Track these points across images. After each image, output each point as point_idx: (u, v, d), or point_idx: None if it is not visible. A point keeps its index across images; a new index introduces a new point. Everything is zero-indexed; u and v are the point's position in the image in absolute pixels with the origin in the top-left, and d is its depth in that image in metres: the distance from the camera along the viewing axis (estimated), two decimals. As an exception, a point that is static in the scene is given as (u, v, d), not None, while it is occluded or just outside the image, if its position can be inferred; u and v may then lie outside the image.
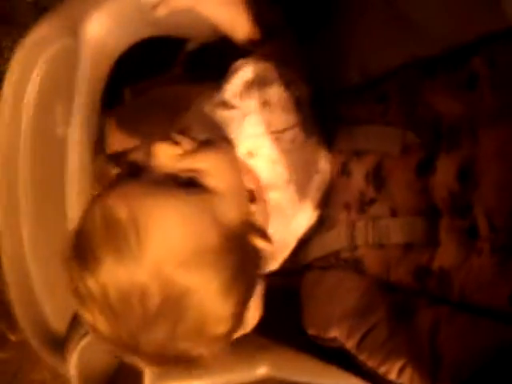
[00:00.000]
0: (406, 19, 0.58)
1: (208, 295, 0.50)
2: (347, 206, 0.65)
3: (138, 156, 0.56)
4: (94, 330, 0.51)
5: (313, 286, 0.65)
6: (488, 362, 0.49)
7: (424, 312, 0.55)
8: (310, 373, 0.62)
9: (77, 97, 0.72)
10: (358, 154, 0.64)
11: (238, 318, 0.53)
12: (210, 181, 0.54)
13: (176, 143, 0.54)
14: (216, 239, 0.51)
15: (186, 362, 0.53)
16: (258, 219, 0.59)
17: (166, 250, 0.49)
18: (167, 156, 0.54)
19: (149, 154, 0.54)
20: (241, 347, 0.69)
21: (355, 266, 0.63)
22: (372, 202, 0.63)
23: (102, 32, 0.74)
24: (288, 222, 0.64)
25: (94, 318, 0.49)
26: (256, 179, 0.61)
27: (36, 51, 0.79)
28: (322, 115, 0.69)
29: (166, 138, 0.55)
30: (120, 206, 0.49)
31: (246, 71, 0.64)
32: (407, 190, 0.59)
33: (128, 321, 0.48)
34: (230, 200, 0.55)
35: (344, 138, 0.66)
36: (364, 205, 0.63)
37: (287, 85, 0.64)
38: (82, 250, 0.50)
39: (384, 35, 0.61)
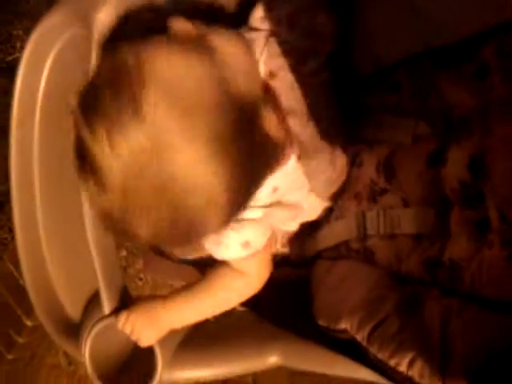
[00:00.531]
0: (417, 8, 0.57)
1: (198, 149, 0.46)
2: (358, 196, 0.65)
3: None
4: (95, 202, 0.49)
5: (323, 276, 0.66)
6: (498, 354, 0.48)
7: (434, 304, 0.55)
8: (320, 363, 0.62)
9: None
10: (370, 144, 0.64)
11: (234, 197, 0.49)
12: (217, 45, 0.52)
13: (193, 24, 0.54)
14: (217, 93, 0.48)
15: (182, 232, 0.50)
16: (272, 111, 0.55)
17: (165, 93, 0.46)
18: (184, 29, 0.53)
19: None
20: (252, 336, 0.70)
21: (366, 256, 0.63)
22: (383, 192, 0.62)
23: (114, 21, 0.74)
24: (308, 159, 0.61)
25: (96, 184, 0.48)
26: (275, 98, 0.57)
27: (48, 40, 0.78)
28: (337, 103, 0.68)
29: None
30: (130, 52, 0.48)
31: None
32: (418, 181, 0.59)
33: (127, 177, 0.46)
34: (239, 75, 0.52)
35: (357, 128, 0.65)
36: (375, 194, 0.63)
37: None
38: (88, 99, 0.48)
39: (395, 23, 0.59)
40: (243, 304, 0.74)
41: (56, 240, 0.83)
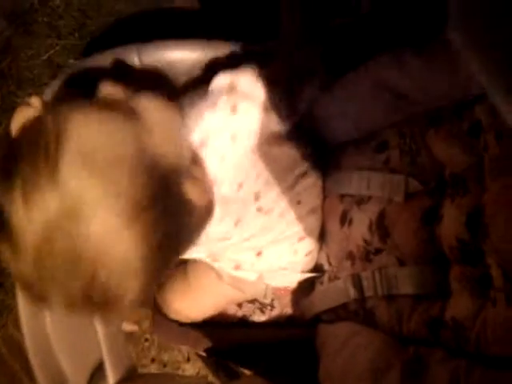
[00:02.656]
0: (403, 96, 0.58)
1: (111, 209, 0.44)
2: (350, 256, 0.62)
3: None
4: (9, 260, 0.46)
5: (324, 341, 0.62)
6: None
7: (440, 369, 0.51)
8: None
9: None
10: (359, 202, 0.62)
11: (148, 277, 0.47)
12: (143, 120, 0.49)
13: (122, 83, 0.51)
14: (132, 153, 0.46)
15: (98, 302, 0.46)
16: (198, 175, 0.53)
17: (80, 152, 0.44)
18: (109, 90, 0.51)
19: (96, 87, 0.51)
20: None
21: (366, 318, 0.59)
22: (378, 251, 0.59)
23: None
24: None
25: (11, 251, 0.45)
26: (203, 169, 0.55)
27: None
28: (322, 162, 0.68)
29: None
30: (50, 114, 0.46)
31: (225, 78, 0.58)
32: (413, 239, 0.56)
33: (30, 242, 0.43)
34: (160, 139, 0.49)
35: (345, 184, 0.63)
36: (370, 254, 0.60)
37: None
38: (8, 159, 0.46)
39: (378, 104, 0.60)
40: (248, 365, 0.72)
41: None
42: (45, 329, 0.81)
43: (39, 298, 0.47)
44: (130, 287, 0.46)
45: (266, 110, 0.58)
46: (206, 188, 0.54)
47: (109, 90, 0.51)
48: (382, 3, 0.81)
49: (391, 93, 0.59)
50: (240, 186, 0.58)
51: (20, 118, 0.48)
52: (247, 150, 0.57)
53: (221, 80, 0.58)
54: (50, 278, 0.45)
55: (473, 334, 0.51)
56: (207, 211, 0.54)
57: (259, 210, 0.60)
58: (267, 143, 0.58)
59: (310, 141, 0.67)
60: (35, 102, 0.73)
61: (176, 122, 0.54)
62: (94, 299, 0.46)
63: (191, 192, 0.50)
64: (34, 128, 0.46)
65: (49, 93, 0.77)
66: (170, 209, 0.48)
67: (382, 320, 0.58)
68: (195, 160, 0.54)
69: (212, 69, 0.68)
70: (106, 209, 0.44)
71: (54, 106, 0.48)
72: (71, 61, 1.22)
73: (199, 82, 0.65)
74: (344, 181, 0.63)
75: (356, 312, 0.60)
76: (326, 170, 0.67)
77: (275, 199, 0.61)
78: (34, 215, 0.43)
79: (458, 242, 0.52)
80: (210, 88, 0.58)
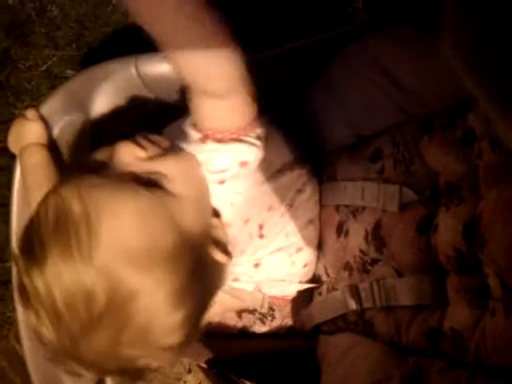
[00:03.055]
0: (401, 84, 0.56)
1: (155, 301, 0.44)
2: (348, 267, 0.62)
3: (101, 156, 0.51)
4: (38, 333, 0.45)
5: (324, 352, 0.62)
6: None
7: (441, 378, 0.50)
8: None
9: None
10: (355, 213, 0.62)
11: (189, 330, 0.47)
12: (171, 185, 0.49)
13: (140, 146, 0.50)
14: (170, 241, 0.46)
15: (132, 372, 0.47)
16: (220, 234, 0.54)
17: (116, 246, 0.44)
18: (130, 156, 0.50)
19: (112, 153, 0.50)
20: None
21: (365, 328, 0.59)
22: (374, 262, 0.59)
23: (108, 106, 0.77)
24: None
25: (38, 319, 0.44)
26: (221, 219, 0.55)
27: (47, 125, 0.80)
28: (317, 171, 0.68)
29: (131, 140, 0.50)
30: (73, 198, 0.44)
31: None
32: (409, 249, 0.56)
33: (71, 324, 0.43)
34: (189, 207, 0.50)
35: (340, 194, 0.64)
36: (366, 265, 0.60)
37: None
38: (30, 244, 0.45)
39: (374, 95, 0.59)
40: (249, 376, 0.72)
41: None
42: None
43: (65, 363, 0.47)
44: (167, 344, 0.47)
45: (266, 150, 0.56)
46: (227, 246, 0.55)
47: (128, 152, 0.50)
48: (378, 11, 0.81)
49: (387, 76, 0.58)
50: (246, 221, 0.58)
51: (48, 205, 0.46)
52: (253, 191, 0.57)
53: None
54: (90, 361, 0.46)
55: (472, 345, 0.50)
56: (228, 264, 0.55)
57: (261, 236, 0.60)
58: (273, 177, 0.58)
59: (308, 157, 0.67)
60: (31, 114, 0.74)
61: (198, 175, 0.54)
62: (128, 372, 0.48)
63: (217, 254, 0.52)
64: (59, 213, 0.45)
65: (46, 106, 0.78)
66: (206, 276, 0.50)
67: (381, 331, 0.58)
68: (215, 212, 0.55)
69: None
70: (153, 289, 0.45)
71: (77, 184, 0.46)
72: (69, 71, 1.23)
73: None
74: (339, 191, 0.63)
75: (355, 323, 0.60)
76: (321, 181, 0.67)
77: (276, 222, 0.61)
78: (61, 290, 0.43)
79: (455, 252, 0.52)
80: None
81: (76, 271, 0.43)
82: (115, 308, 0.43)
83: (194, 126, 0.53)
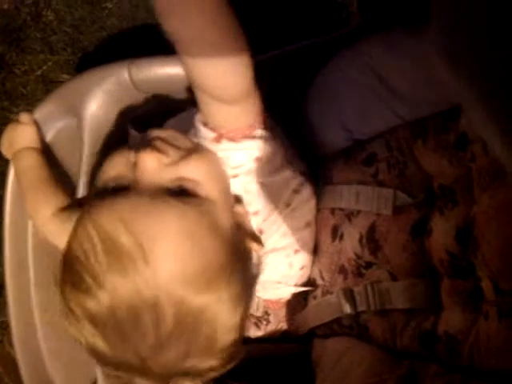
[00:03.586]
0: (392, 88, 0.57)
1: (221, 310, 0.46)
2: (342, 270, 0.62)
3: (119, 170, 0.50)
4: (94, 351, 0.46)
5: (319, 355, 0.61)
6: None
7: (435, 382, 0.50)
8: None
9: (82, 176, 0.73)
10: (350, 216, 0.62)
11: (245, 322, 0.50)
12: (202, 189, 0.49)
13: (162, 152, 0.49)
14: (221, 250, 0.47)
15: (195, 375, 0.48)
16: (247, 221, 0.55)
17: (176, 271, 0.44)
18: (154, 166, 0.49)
19: (134, 166, 0.49)
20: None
21: (359, 332, 0.59)
22: (369, 265, 0.59)
23: (101, 111, 0.77)
24: None
25: (93, 337, 0.45)
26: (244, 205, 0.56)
27: (42, 129, 0.80)
28: (313, 176, 0.67)
29: (151, 147, 0.49)
30: (117, 227, 0.43)
31: None
32: (403, 252, 0.56)
33: (138, 343, 0.44)
34: (223, 206, 0.50)
35: (336, 198, 0.64)
36: (361, 268, 0.60)
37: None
38: (79, 275, 0.44)
39: (368, 100, 0.59)
40: (244, 381, 0.72)
41: (52, 331, 0.81)
42: (39, 347, 0.81)
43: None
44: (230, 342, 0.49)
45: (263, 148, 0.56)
46: (256, 234, 0.56)
47: (151, 165, 0.49)
48: (372, 15, 0.81)
49: (380, 81, 0.58)
50: (255, 213, 0.58)
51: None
52: (261, 178, 0.57)
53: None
54: (157, 374, 0.46)
55: (466, 348, 0.50)
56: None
57: (260, 232, 0.60)
58: (270, 175, 0.58)
59: (303, 156, 0.67)
60: (24, 118, 0.74)
61: (223, 171, 0.54)
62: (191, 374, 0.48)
63: (253, 245, 0.54)
64: (108, 245, 0.44)
65: (40, 111, 0.78)
66: (248, 267, 0.52)
67: (375, 334, 0.58)
68: (236, 199, 0.55)
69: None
70: (216, 308, 0.46)
71: (115, 210, 0.45)
72: (64, 76, 1.23)
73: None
74: (334, 195, 0.63)
75: (350, 326, 0.60)
76: (317, 185, 0.67)
77: (274, 219, 0.61)
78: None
79: (449, 255, 0.52)
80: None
81: (140, 295, 0.43)
82: (183, 327, 0.44)
83: (206, 124, 0.53)
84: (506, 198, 0.48)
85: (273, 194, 0.59)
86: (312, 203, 0.66)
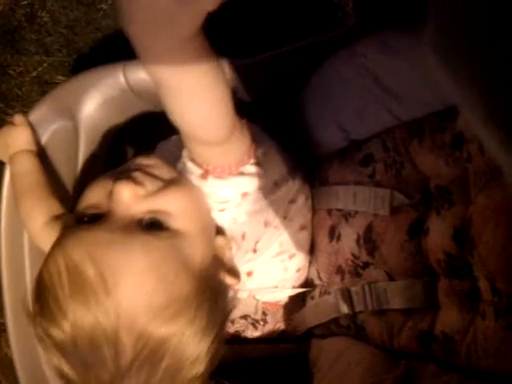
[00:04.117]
0: (388, 89, 0.56)
1: (184, 341, 0.45)
2: (340, 270, 0.62)
3: (97, 198, 0.50)
4: (62, 375, 0.46)
5: (317, 356, 0.61)
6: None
7: (433, 382, 0.50)
8: None
9: (77, 178, 0.73)
10: (347, 216, 0.62)
11: (214, 354, 0.48)
12: (176, 222, 0.48)
13: (138, 183, 0.49)
14: (188, 285, 0.46)
15: None
16: (227, 253, 0.54)
17: (138, 305, 0.44)
18: (128, 198, 0.48)
19: (110, 195, 0.48)
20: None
21: (357, 332, 0.59)
22: (366, 265, 0.59)
23: (96, 112, 0.76)
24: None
25: (60, 363, 0.45)
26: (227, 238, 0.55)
27: (37, 132, 0.79)
28: (309, 176, 0.67)
29: (128, 177, 0.48)
30: (85, 261, 0.43)
31: None
32: (400, 253, 0.56)
33: (99, 372, 0.44)
34: (197, 240, 0.49)
35: (332, 199, 0.63)
36: (358, 268, 0.60)
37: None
38: (46, 303, 0.44)
39: (364, 100, 0.59)
40: (242, 381, 0.71)
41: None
42: (36, 349, 0.81)
43: None
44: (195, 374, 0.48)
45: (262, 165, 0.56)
46: (236, 268, 0.55)
47: (126, 197, 0.48)
48: (367, 15, 0.81)
49: (376, 82, 0.58)
50: (243, 237, 0.57)
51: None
52: (252, 211, 0.57)
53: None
54: None
55: (463, 348, 0.50)
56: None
57: (254, 251, 0.60)
58: (270, 192, 0.58)
59: (300, 163, 0.67)
60: (19, 121, 0.73)
61: (202, 205, 0.53)
62: None
63: (229, 279, 0.52)
64: (73, 275, 0.44)
65: (35, 113, 0.78)
66: (221, 300, 0.51)
67: (373, 335, 0.58)
68: (218, 229, 0.55)
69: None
70: (179, 340, 0.45)
71: (84, 243, 0.45)
72: (60, 77, 1.22)
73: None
74: (331, 196, 0.63)
75: (348, 326, 0.60)
76: (313, 185, 0.67)
77: (271, 235, 0.61)
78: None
79: (446, 255, 0.52)
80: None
81: (100, 326, 0.43)
82: (143, 359, 0.44)
83: (192, 159, 0.53)
84: (502, 198, 0.48)
85: (268, 214, 0.59)
86: (308, 206, 0.66)
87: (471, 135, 0.51)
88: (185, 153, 0.54)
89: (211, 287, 0.49)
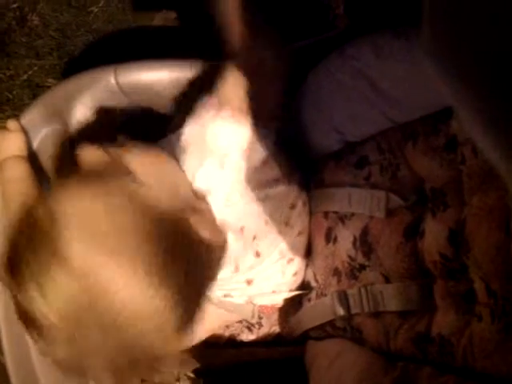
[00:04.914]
0: (382, 91, 0.56)
1: (129, 290, 0.43)
2: (336, 273, 0.62)
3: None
4: (45, 351, 0.45)
5: (313, 358, 0.61)
6: None
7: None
8: None
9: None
10: (343, 219, 0.61)
11: (183, 327, 0.46)
12: (139, 170, 0.49)
13: (106, 152, 0.50)
14: (135, 225, 0.45)
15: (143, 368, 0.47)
16: (206, 215, 0.53)
17: (87, 233, 0.43)
18: (94, 158, 0.49)
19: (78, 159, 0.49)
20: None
21: (353, 335, 0.59)
22: (362, 268, 0.59)
23: (88, 115, 0.75)
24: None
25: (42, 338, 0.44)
26: (207, 214, 0.54)
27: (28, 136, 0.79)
28: (305, 180, 0.67)
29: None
30: (39, 203, 0.45)
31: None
32: (396, 255, 0.56)
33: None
34: (160, 193, 0.49)
35: (328, 201, 0.63)
36: (355, 271, 0.59)
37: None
38: (13, 261, 0.44)
39: (358, 103, 0.59)
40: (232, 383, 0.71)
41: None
42: (29, 354, 0.80)
43: (84, 374, 0.46)
44: (170, 336, 0.46)
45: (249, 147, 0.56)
46: (215, 224, 0.53)
47: (90, 154, 0.49)
48: (358, 17, 0.81)
49: (369, 84, 0.58)
50: (242, 229, 0.57)
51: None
52: (246, 196, 0.57)
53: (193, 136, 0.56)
54: (89, 354, 0.44)
55: (459, 350, 0.50)
56: (222, 249, 0.54)
57: (257, 255, 0.60)
58: (262, 187, 0.58)
59: (296, 166, 0.66)
60: (11, 126, 0.72)
61: (168, 173, 0.54)
62: (139, 362, 0.46)
63: (201, 228, 0.50)
64: (30, 221, 0.44)
65: (26, 118, 0.77)
66: (187, 252, 0.48)
67: (369, 337, 0.58)
68: (199, 196, 0.54)
69: (192, 89, 0.68)
70: (123, 275, 0.43)
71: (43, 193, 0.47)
72: (50, 81, 1.21)
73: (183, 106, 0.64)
74: (327, 198, 0.63)
75: (344, 329, 0.60)
76: (309, 188, 0.66)
77: (272, 240, 0.60)
78: (55, 301, 0.43)
79: (441, 257, 0.52)
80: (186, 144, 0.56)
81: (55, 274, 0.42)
82: (93, 296, 0.43)
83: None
84: (496, 200, 0.48)
85: (268, 210, 0.58)
86: (306, 211, 0.66)
87: (465, 138, 0.51)
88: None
89: (174, 243, 0.46)
